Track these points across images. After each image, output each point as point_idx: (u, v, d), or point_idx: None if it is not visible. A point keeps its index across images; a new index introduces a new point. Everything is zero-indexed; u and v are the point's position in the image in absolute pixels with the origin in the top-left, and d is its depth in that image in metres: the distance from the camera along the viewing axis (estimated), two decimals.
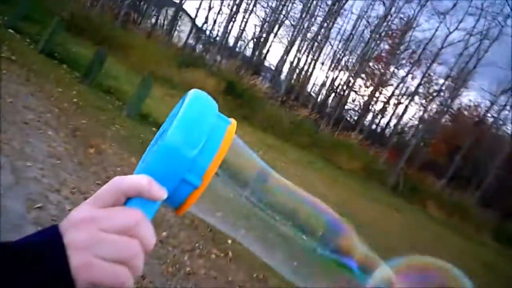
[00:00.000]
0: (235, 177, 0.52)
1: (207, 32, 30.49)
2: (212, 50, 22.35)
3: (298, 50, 29.04)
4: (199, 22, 39.59)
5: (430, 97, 30.82)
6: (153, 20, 29.05)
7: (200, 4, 28.37)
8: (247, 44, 30.92)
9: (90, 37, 12.08)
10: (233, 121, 0.52)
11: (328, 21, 28.85)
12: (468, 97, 42.16)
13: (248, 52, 30.60)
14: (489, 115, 31.58)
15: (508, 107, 30.40)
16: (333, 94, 31.39)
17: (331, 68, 31.50)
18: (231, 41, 30.34)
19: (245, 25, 30.33)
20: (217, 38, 27.27)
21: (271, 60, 48.44)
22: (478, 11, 27.47)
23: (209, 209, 0.54)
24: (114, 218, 0.45)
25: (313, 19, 29.11)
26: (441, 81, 30.21)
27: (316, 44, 30.09)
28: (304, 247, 0.56)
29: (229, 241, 4.78)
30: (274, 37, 30.96)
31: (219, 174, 0.50)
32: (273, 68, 30.92)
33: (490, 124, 32.12)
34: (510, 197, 27.54)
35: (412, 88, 30.95)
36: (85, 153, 5.33)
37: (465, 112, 34.10)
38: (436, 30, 30.37)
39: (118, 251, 0.44)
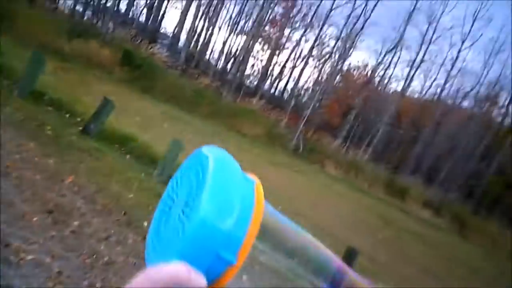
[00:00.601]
0: (267, 242, 0.46)
1: None
2: (103, 17, 21.09)
3: (195, 15, 28.49)
4: None
5: (323, 59, 32.17)
6: None
7: None
8: (141, 11, 29.63)
9: None
10: (257, 181, 0.47)
11: None
12: (358, 57, 44.49)
13: (142, 19, 29.39)
14: (376, 74, 33.87)
15: (392, 66, 32.90)
16: (232, 60, 31.45)
17: (228, 33, 31.46)
18: (122, 7, 28.84)
19: None
20: (108, 5, 25.72)
21: (168, 26, 46.74)
22: None
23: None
24: None
25: None
26: (332, 42, 31.63)
27: (212, 8, 29.74)
28: None
29: (145, 223, 4.74)
30: (168, 2, 30.07)
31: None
32: (171, 35, 30.10)
33: (378, 83, 34.52)
34: (397, 151, 30.20)
35: (306, 51, 32.08)
36: None
37: (355, 73, 36.15)
38: None
39: None
